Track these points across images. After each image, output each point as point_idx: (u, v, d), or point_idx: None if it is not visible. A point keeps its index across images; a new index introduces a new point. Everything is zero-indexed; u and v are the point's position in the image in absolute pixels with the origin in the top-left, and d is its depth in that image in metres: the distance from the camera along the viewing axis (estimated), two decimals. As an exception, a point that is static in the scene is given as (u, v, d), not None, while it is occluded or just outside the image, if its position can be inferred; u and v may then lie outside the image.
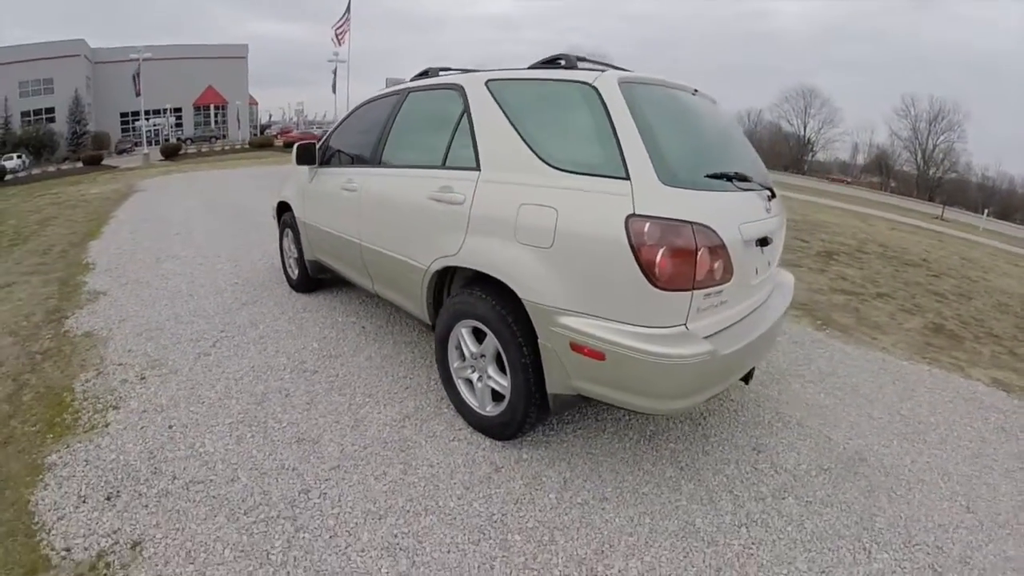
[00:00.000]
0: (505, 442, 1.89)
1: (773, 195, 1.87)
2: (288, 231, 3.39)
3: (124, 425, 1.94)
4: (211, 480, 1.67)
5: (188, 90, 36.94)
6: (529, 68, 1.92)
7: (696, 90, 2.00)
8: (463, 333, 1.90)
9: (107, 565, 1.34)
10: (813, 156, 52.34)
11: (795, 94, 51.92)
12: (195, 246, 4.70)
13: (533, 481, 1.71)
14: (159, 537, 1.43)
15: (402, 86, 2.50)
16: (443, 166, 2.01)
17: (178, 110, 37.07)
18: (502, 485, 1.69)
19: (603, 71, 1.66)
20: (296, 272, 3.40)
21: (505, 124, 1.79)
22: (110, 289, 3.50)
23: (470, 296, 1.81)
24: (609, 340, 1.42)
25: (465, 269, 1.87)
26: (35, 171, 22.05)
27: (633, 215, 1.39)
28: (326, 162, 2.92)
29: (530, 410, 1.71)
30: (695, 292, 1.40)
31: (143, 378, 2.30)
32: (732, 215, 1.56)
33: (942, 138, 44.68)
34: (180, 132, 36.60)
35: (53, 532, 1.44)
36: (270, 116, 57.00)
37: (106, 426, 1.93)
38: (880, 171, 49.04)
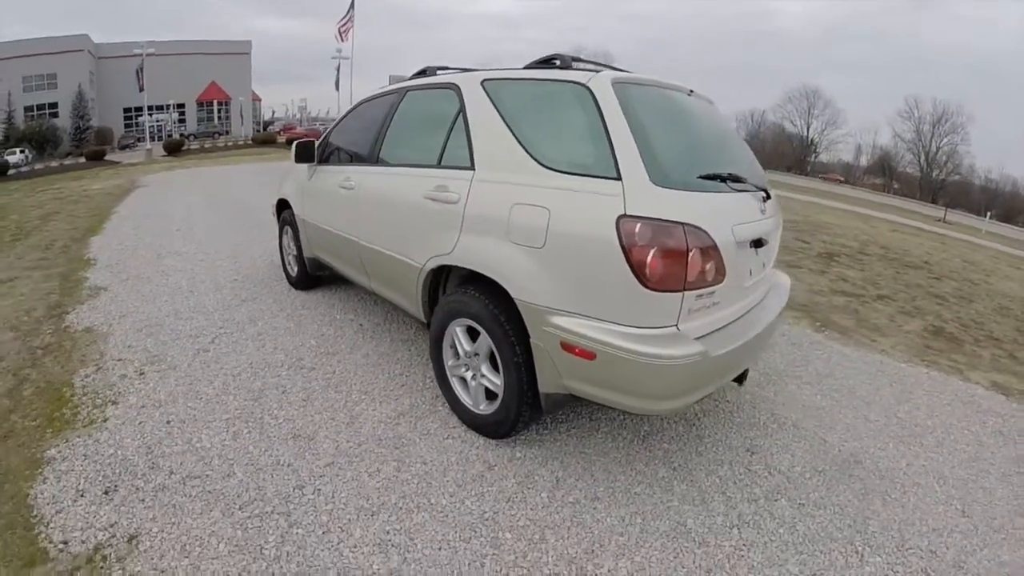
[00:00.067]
0: (499, 440, 1.90)
1: (768, 196, 1.87)
2: (287, 228, 3.41)
3: (123, 420, 1.96)
4: (207, 475, 1.68)
5: (191, 86, 36.99)
6: (525, 68, 1.92)
7: (692, 91, 2.00)
8: (457, 332, 1.90)
9: (104, 558, 1.36)
10: (816, 157, 52.11)
11: (798, 95, 51.70)
12: (196, 242, 4.72)
13: (526, 480, 1.72)
14: (155, 531, 1.45)
15: (400, 85, 2.50)
16: (438, 165, 2.01)
17: (181, 106, 37.13)
18: (495, 483, 1.70)
19: (597, 71, 1.66)
20: (295, 269, 3.42)
21: (500, 124, 1.80)
22: (111, 285, 3.52)
23: (464, 295, 1.82)
24: (600, 340, 1.42)
25: (460, 268, 1.88)
26: (38, 166, 22.12)
27: (624, 215, 1.39)
28: (325, 160, 2.93)
29: (523, 409, 1.72)
30: (686, 293, 1.40)
31: (142, 374, 2.32)
32: (725, 216, 1.56)
33: (945, 140, 44.46)
34: (183, 128, 36.67)
35: (51, 525, 1.45)
36: (273, 113, 57.14)
37: (105, 421, 1.95)
38: (883, 173, 48.79)
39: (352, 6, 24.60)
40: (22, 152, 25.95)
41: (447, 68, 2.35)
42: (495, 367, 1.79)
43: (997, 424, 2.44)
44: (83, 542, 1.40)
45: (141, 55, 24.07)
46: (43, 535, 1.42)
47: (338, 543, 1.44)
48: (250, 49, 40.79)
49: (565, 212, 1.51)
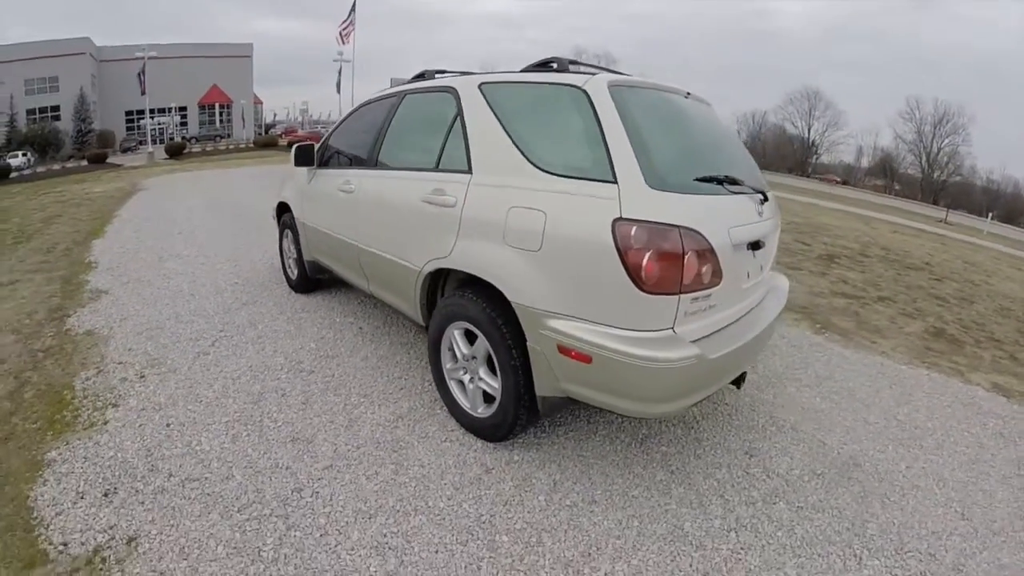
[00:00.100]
0: (496, 444, 1.90)
1: (766, 198, 1.87)
2: (287, 232, 3.42)
3: (123, 423, 1.97)
4: (206, 478, 1.69)
5: (193, 89, 37.15)
6: (522, 71, 1.93)
7: (689, 93, 2.00)
8: (455, 335, 1.91)
9: (103, 560, 1.36)
10: (817, 159, 52.09)
11: (799, 96, 51.73)
12: (197, 245, 4.74)
13: (523, 483, 1.72)
14: (154, 533, 1.46)
15: (398, 88, 2.51)
16: (436, 168, 2.02)
17: (183, 109, 37.29)
18: (492, 486, 1.70)
19: (594, 74, 1.67)
20: (295, 272, 3.43)
21: (496, 127, 1.80)
22: (112, 288, 3.53)
23: (461, 298, 1.82)
24: (596, 343, 1.43)
25: (457, 271, 1.88)
26: (40, 169, 22.18)
27: (620, 219, 1.40)
28: (324, 163, 2.94)
29: (520, 412, 1.72)
30: (682, 296, 1.41)
31: (143, 376, 2.33)
32: (722, 219, 1.56)
33: (947, 141, 44.42)
34: (185, 131, 36.78)
35: (51, 527, 1.46)
36: (274, 116, 57.32)
37: (105, 424, 1.96)
38: (884, 174, 48.75)
39: (353, 9, 24.67)
40: (24, 155, 26.06)
41: (445, 71, 2.36)
42: (492, 370, 1.79)
43: (998, 426, 2.43)
44: (83, 544, 1.41)
45: (143, 58, 24.12)
46: (43, 537, 1.43)
47: (335, 545, 1.44)
48: (251, 52, 40.95)
49: (561, 215, 1.52)
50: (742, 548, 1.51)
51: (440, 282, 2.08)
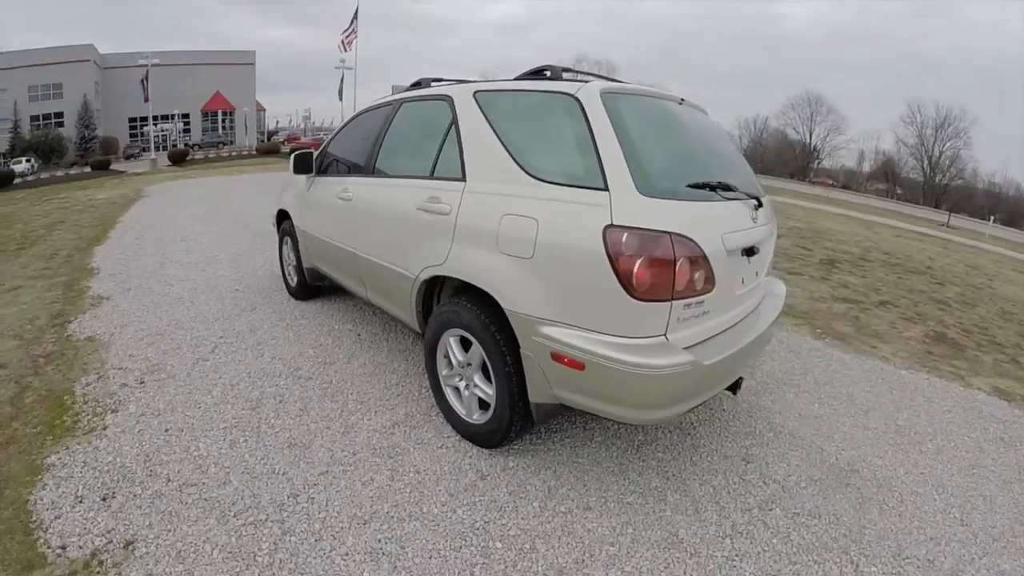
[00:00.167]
0: (492, 450, 1.90)
1: (760, 204, 1.88)
2: (287, 239, 3.44)
3: (122, 428, 1.98)
4: (204, 483, 1.70)
5: (196, 96, 37.54)
6: (516, 79, 1.95)
7: (683, 99, 2.02)
8: (451, 342, 1.92)
9: (100, 563, 1.37)
10: (819, 164, 52.13)
11: (801, 102, 51.84)
12: (198, 252, 4.77)
13: (518, 489, 1.72)
14: (151, 537, 1.47)
15: (395, 96, 2.54)
16: (431, 176, 2.04)
17: (186, 116, 37.66)
18: (487, 493, 1.70)
19: (586, 82, 1.68)
20: (295, 279, 3.45)
21: (490, 135, 1.82)
22: (113, 294, 3.56)
23: (456, 305, 1.83)
24: (588, 350, 1.43)
25: (452, 279, 1.89)
26: (44, 175, 22.35)
27: (611, 225, 1.40)
28: (323, 171, 2.96)
29: (515, 419, 1.72)
30: (674, 303, 1.41)
31: (142, 382, 2.34)
32: (714, 225, 1.56)
33: (948, 145, 44.39)
34: (188, 138, 37.12)
35: (50, 531, 1.48)
36: (277, 123, 57.75)
37: (104, 429, 1.97)
38: (886, 178, 48.72)
39: (355, 16, 24.91)
40: (28, 161, 26.30)
41: (441, 80, 2.39)
42: (487, 377, 1.80)
43: (998, 430, 2.42)
44: (81, 547, 1.42)
45: (146, 65, 24.39)
46: (42, 540, 1.44)
47: (330, 551, 1.45)
48: (254, 59, 41.39)
49: (553, 223, 1.53)
50: (737, 555, 1.51)
51: (436, 289, 2.09)
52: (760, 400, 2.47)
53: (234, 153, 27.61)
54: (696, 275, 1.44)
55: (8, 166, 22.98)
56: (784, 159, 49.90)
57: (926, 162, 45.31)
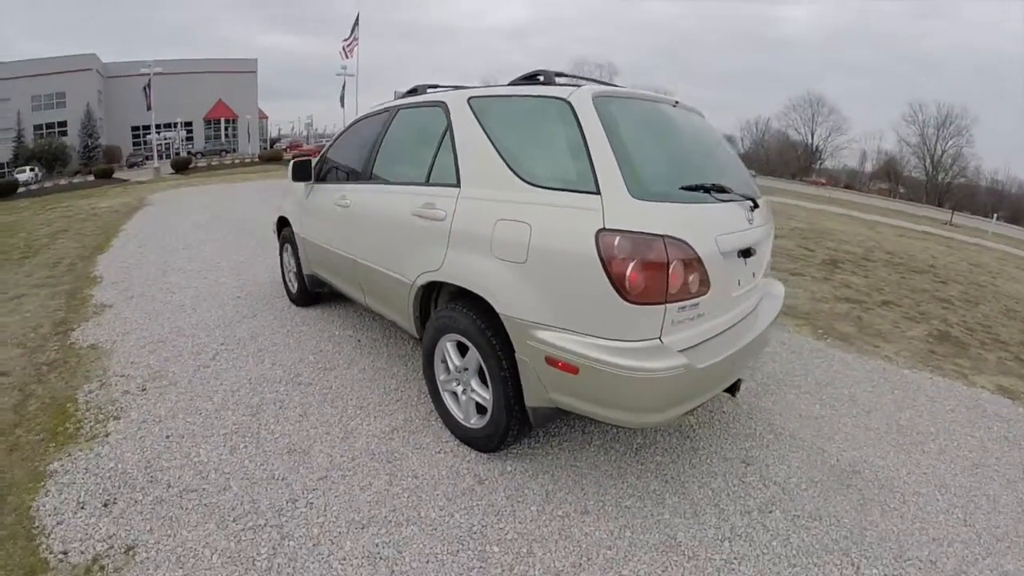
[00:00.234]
0: (490, 454, 1.90)
1: (756, 205, 1.87)
2: (287, 246, 3.46)
3: (124, 435, 1.99)
4: (204, 489, 1.71)
5: (198, 104, 37.79)
6: (509, 84, 1.96)
7: (677, 102, 2.02)
8: (448, 347, 1.92)
9: (101, 568, 1.39)
10: (821, 164, 52.04)
11: (802, 103, 51.91)
12: (201, 259, 4.80)
13: (515, 493, 1.72)
14: (152, 542, 1.48)
15: (391, 103, 2.56)
16: (427, 183, 2.05)
17: (188, 124, 37.90)
18: (484, 497, 1.70)
19: (578, 86, 1.69)
20: (295, 286, 3.46)
21: (484, 140, 1.83)
22: (116, 302, 3.59)
23: (452, 311, 1.84)
24: (582, 354, 1.43)
25: (449, 284, 1.90)
26: (47, 184, 22.47)
27: (603, 229, 1.40)
28: (321, 178, 2.98)
29: (512, 423, 1.72)
30: (668, 305, 1.41)
31: (144, 389, 2.36)
32: (708, 227, 1.56)
33: (950, 143, 44.30)
34: (191, 146, 37.37)
35: (52, 536, 1.49)
36: (279, 130, 58.12)
37: (106, 436, 1.99)
38: (889, 178, 48.57)
39: (356, 24, 25.10)
40: (31, 170, 26.51)
41: (437, 86, 2.41)
42: (484, 382, 1.80)
43: (1002, 429, 2.40)
44: (82, 552, 1.44)
45: (148, 74, 24.59)
46: (44, 546, 1.46)
47: (328, 555, 1.45)
48: (256, 67, 41.67)
49: (546, 227, 1.53)
50: (736, 558, 1.50)
51: (433, 295, 2.10)
52: (761, 402, 2.46)
53: (237, 161, 27.80)
54: (690, 277, 1.44)
55: (12, 175, 23.16)
56: (786, 160, 49.87)
57: (928, 161, 45.20)
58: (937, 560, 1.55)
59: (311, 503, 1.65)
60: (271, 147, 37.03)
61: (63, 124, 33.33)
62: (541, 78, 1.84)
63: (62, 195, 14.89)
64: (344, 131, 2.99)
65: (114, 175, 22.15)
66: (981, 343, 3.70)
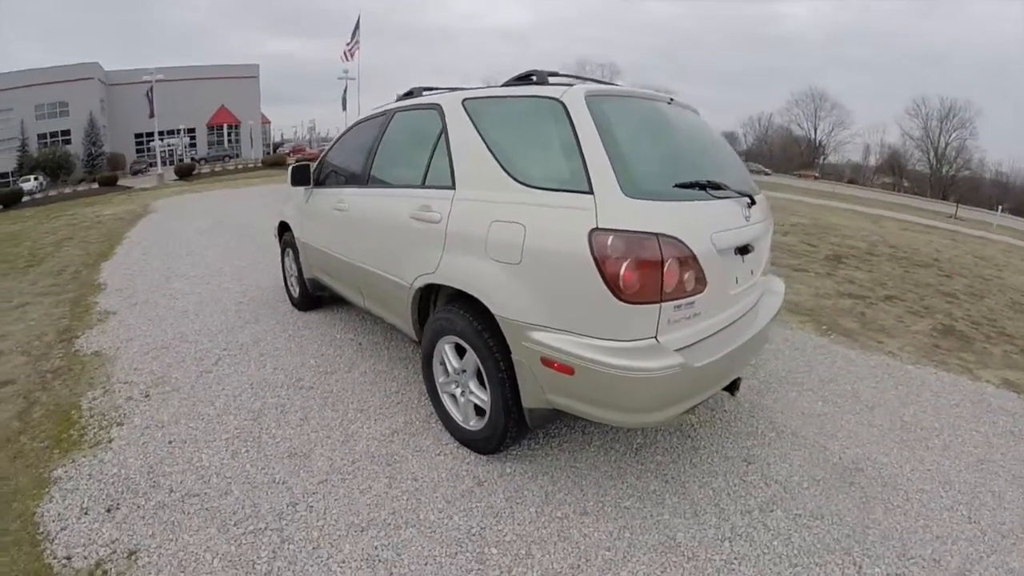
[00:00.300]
0: (490, 456, 1.91)
1: (753, 202, 1.86)
2: (288, 250, 3.48)
3: (127, 441, 2.01)
4: (206, 493, 1.72)
5: (201, 110, 38.06)
6: (503, 85, 1.96)
7: (672, 99, 2.01)
8: (446, 349, 1.93)
9: (104, 573, 1.40)
10: (825, 159, 51.76)
11: (805, 98, 51.71)
12: (204, 265, 4.83)
13: (515, 495, 1.72)
14: (154, 547, 1.49)
15: (387, 106, 2.57)
16: (423, 185, 2.05)
17: (192, 130, 38.15)
18: (483, 499, 1.70)
19: (571, 85, 1.68)
20: (297, 290, 3.48)
21: (478, 142, 1.83)
22: (120, 309, 3.61)
23: (450, 313, 1.84)
24: (577, 354, 1.43)
25: (446, 286, 1.90)
26: (52, 193, 22.51)
27: (596, 229, 1.40)
28: (320, 183, 3.00)
29: (509, 424, 1.72)
30: (663, 304, 1.40)
31: (147, 395, 2.37)
32: (704, 224, 1.55)
33: (954, 136, 43.96)
34: (194, 152, 37.58)
35: (56, 541, 1.51)
36: (282, 135, 58.42)
37: (110, 442, 2.01)
38: (892, 172, 48.22)
39: (357, 28, 25.18)
40: (36, 179, 26.71)
41: (433, 88, 2.41)
42: (482, 383, 1.80)
43: (1007, 424, 2.38)
44: (85, 558, 1.45)
45: (150, 81, 24.78)
46: (48, 551, 1.48)
47: (327, 558, 1.46)
48: (258, 73, 41.95)
49: (540, 228, 1.53)
50: (736, 558, 1.49)
51: (432, 297, 2.11)
52: (762, 399, 2.45)
53: (240, 166, 27.91)
54: (685, 276, 1.43)
55: (17, 184, 23.34)
56: (790, 155, 49.62)
57: (932, 154, 44.86)
58: (941, 558, 1.54)
59: (311, 506, 1.66)
60: (274, 152, 37.22)
61: (66, 133, 33.62)
62: (535, 78, 1.84)
63: (67, 203, 15.00)
64: (342, 135, 3.00)
65: (118, 182, 22.31)
66: (986, 337, 3.67)
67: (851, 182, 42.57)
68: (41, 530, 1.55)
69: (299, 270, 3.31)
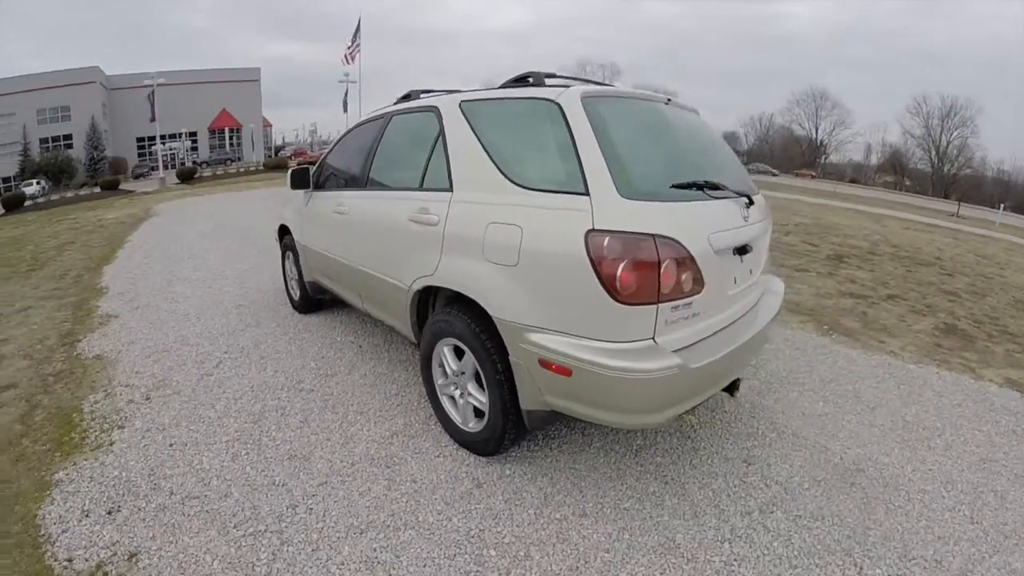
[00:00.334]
0: (489, 458, 1.90)
1: (751, 202, 1.86)
2: (289, 253, 3.49)
3: (128, 444, 2.02)
4: (206, 495, 1.73)
5: (202, 114, 38.13)
6: (500, 87, 1.96)
7: (669, 100, 2.01)
8: (445, 351, 1.93)
9: (105, 575, 1.41)
10: (826, 159, 51.66)
11: (806, 97, 51.62)
12: (205, 269, 4.85)
13: (514, 497, 1.72)
14: (154, 549, 1.50)
15: (385, 109, 2.58)
16: (421, 188, 2.06)
17: (193, 134, 38.24)
18: (482, 501, 1.70)
19: (568, 87, 1.68)
20: (297, 293, 3.49)
21: (475, 144, 1.83)
22: (121, 313, 3.63)
23: (448, 315, 1.84)
24: (575, 356, 1.42)
25: (445, 288, 1.91)
26: (54, 197, 22.55)
27: (592, 230, 1.40)
28: (320, 186, 3.00)
29: (508, 426, 1.72)
30: (661, 305, 1.40)
31: (148, 399, 2.38)
32: (701, 225, 1.55)
33: (955, 134, 43.82)
34: (196, 155, 37.66)
35: (57, 544, 1.52)
36: (283, 138, 58.61)
37: (111, 445, 2.01)
38: (894, 170, 48.09)
39: (358, 30, 25.25)
40: (38, 183, 26.80)
41: (431, 91, 2.42)
42: (480, 385, 1.80)
43: (1010, 423, 2.37)
44: (86, 560, 1.46)
45: (152, 85, 24.86)
46: (49, 553, 1.48)
47: (326, 560, 1.46)
48: (259, 76, 42.07)
49: (537, 229, 1.53)
50: (735, 559, 1.48)
51: (430, 299, 2.11)
52: (763, 400, 2.44)
53: (242, 169, 27.99)
54: (683, 276, 1.43)
55: (19, 189, 23.44)
56: (791, 155, 49.53)
57: (934, 152, 44.74)
58: (943, 559, 1.53)
59: (311, 509, 1.66)
60: (275, 155, 37.30)
61: (68, 137, 33.74)
62: (531, 80, 1.84)
63: (69, 207, 15.08)
64: (340, 138, 3.01)
65: (120, 186, 22.35)
66: (989, 336, 3.66)
67: (853, 181, 42.51)
68: (43, 532, 1.56)
69: (299, 273, 3.32)
